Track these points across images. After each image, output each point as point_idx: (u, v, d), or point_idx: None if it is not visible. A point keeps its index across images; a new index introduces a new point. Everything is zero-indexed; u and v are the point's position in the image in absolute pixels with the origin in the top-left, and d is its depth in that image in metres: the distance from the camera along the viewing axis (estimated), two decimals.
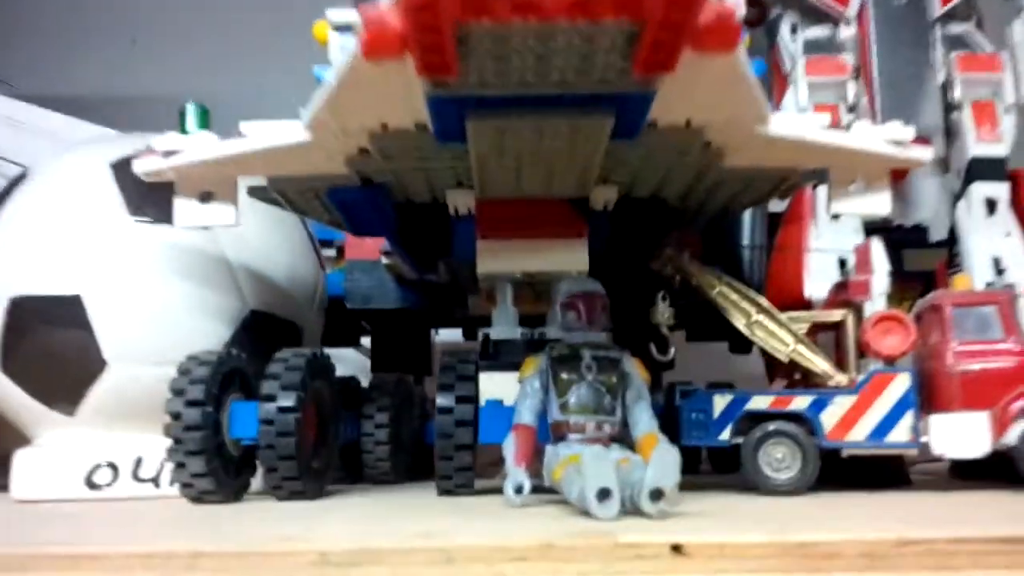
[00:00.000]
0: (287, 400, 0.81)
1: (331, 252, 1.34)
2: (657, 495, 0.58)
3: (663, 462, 0.58)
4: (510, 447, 0.72)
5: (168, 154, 0.78)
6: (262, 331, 0.97)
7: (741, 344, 1.23)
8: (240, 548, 0.52)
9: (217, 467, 0.81)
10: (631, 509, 0.60)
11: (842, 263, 1.01)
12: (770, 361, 0.97)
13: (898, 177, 0.96)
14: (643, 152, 0.76)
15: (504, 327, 0.88)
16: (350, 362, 1.52)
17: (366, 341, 1.46)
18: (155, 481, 0.93)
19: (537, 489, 0.72)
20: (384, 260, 1.15)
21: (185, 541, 0.55)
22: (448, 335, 1.48)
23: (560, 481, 0.66)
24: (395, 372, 1.09)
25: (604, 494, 0.58)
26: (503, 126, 0.67)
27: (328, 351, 1.45)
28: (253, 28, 1.91)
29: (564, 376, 0.73)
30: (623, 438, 0.73)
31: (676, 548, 0.50)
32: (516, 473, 0.70)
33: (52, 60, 2.01)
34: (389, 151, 0.74)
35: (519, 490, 0.69)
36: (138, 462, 0.94)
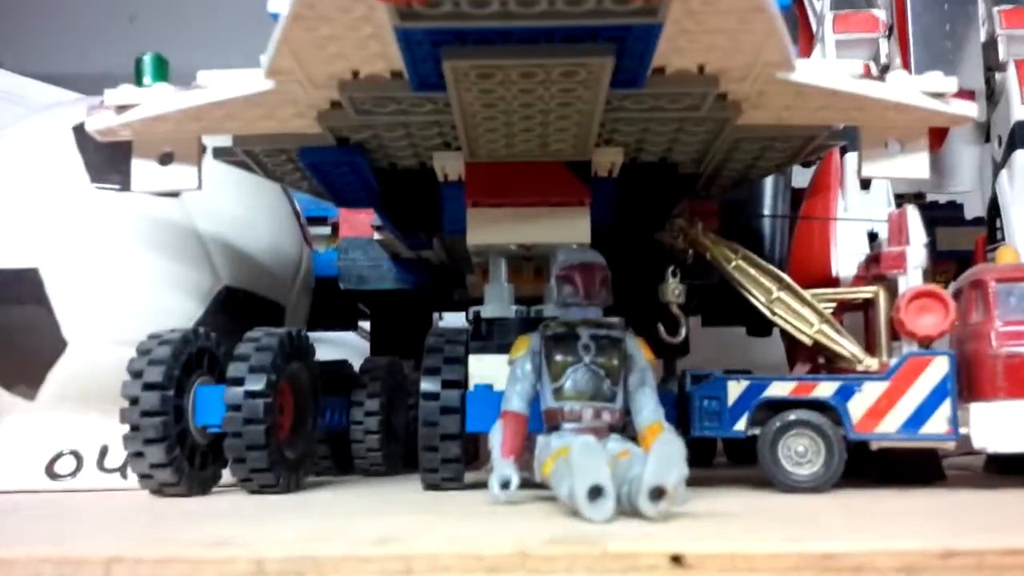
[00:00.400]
0: (256, 383, 0.73)
1: (325, 230, 1.27)
2: (657, 494, 0.49)
3: (665, 456, 0.50)
4: (497, 436, 0.64)
5: (122, 109, 0.71)
6: (238, 310, 0.90)
7: (760, 326, 1.14)
8: (164, 554, 0.44)
9: (179, 457, 0.74)
10: (629, 510, 0.52)
11: (872, 236, 0.92)
12: (791, 344, 0.88)
13: (934, 144, 0.87)
14: (650, 105, 0.68)
15: (497, 305, 0.79)
16: (350, 346, 1.45)
17: (367, 325, 1.39)
18: (122, 471, 0.86)
19: (527, 484, 0.64)
20: (376, 236, 1.07)
21: (106, 543, 0.48)
22: (453, 319, 1.41)
23: (550, 476, 0.58)
24: (391, 356, 1.01)
25: (596, 492, 0.49)
26: (486, 69, 0.58)
27: (326, 335, 1.41)
28: (258, 3, 1.84)
29: (559, 357, 0.64)
30: (625, 427, 0.65)
31: (676, 559, 0.41)
32: (503, 466, 0.62)
33: (48, 37, 1.95)
34: (363, 104, 0.66)
35: (506, 485, 0.61)
36: (104, 451, 0.87)
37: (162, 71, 0.76)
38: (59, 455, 0.86)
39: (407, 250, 1.05)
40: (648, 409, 0.64)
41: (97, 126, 0.72)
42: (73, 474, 0.86)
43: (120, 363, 0.76)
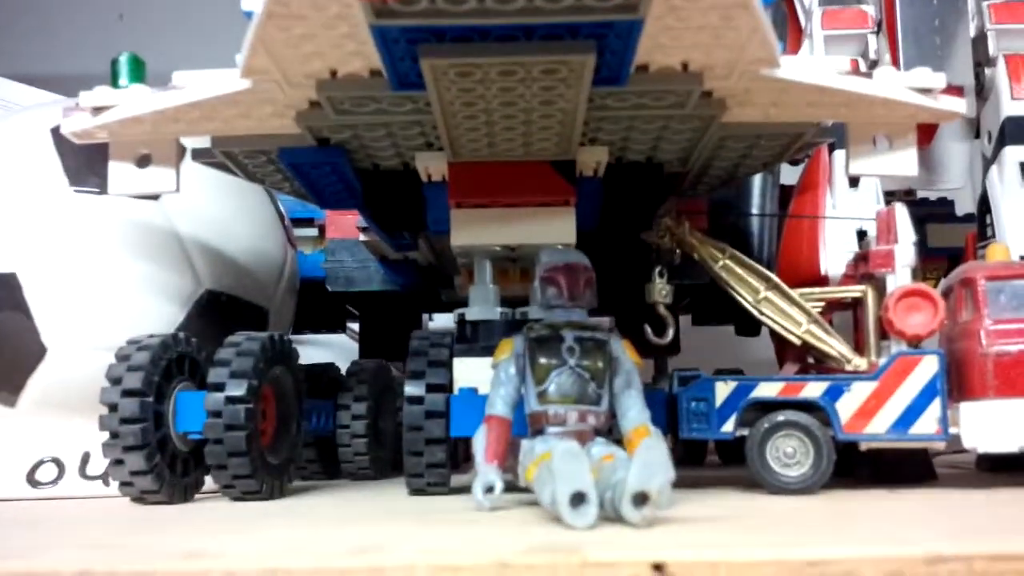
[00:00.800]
0: (237, 389, 0.72)
1: (312, 231, 1.26)
2: (641, 499, 0.48)
3: (649, 460, 0.49)
4: (481, 441, 0.62)
5: (98, 111, 0.69)
6: (220, 313, 0.88)
7: (748, 326, 1.14)
8: (137, 567, 0.43)
9: (160, 464, 0.73)
10: (613, 515, 0.51)
11: (861, 235, 0.91)
12: (780, 344, 0.87)
13: (923, 141, 0.86)
14: (634, 103, 0.67)
15: (482, 307, 0.78)
16: (340, 348, 1.44)
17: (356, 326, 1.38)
18: (104, 479, 0.85)
19: (512, 489, 0.63)
20: (362, 237, 1.06)
21: (78, 555, 0.47)
22: (443, 320, 1.40)
23: (533, 482, 0.57)
24: (381, 359, 1.01)
25: (578, 499, 0.48)
26: (465, 67, 0.57)
27: (315, 337, 1.40)
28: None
29: (543, 360, 0.63)
30: (611, 430, 0.64)
31: (658, 567, 0.41)
32: (486, 471, 0.61)
33: (32, 36, 1.93)
34: (341, 103, 0.65)
35: (490, 490, 0.60)
36: (86, 458, 0.86)
37: (138, 72, 0.75)
38: (40, 462, 0.85)
39: (393, 251, 1.04)
40: (634, 411, 0.63)
41: (73, 128, 0.70)
42: (54, 482, 0.85)
43: (101, 369, 0.74)
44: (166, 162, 0.73)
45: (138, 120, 0.70)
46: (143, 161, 0.73)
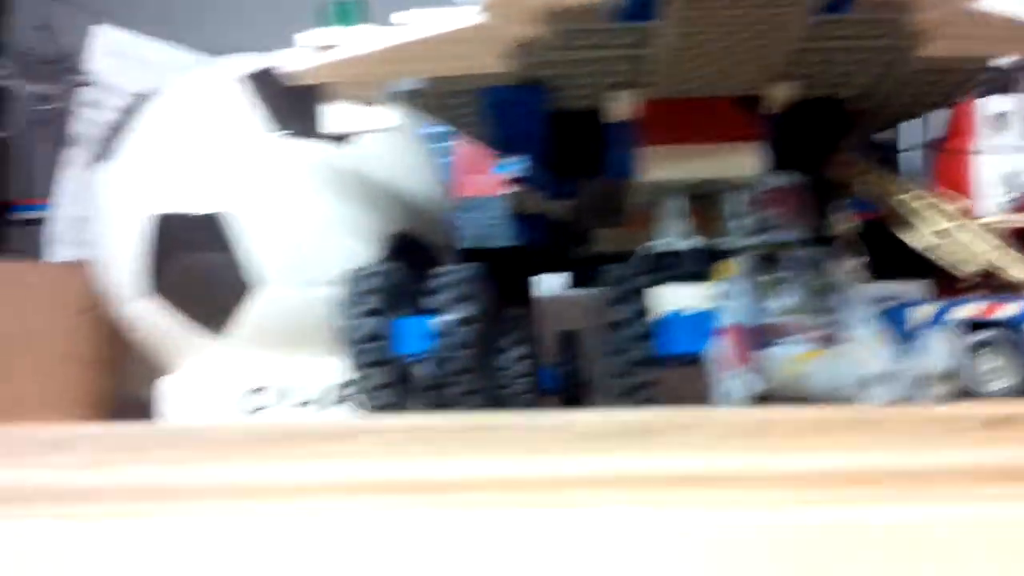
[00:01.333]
0: (463, 311, 0.75)
1: None
2: (937, 380, 0.51)
3: (933, 344, 0.52)
4: (722, 348, 0.65)
5: (318, 51, 0.73)
6: (408, 254, 0.92)
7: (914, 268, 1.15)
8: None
9: (397, 379, 0.77)
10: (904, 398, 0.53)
11: (1010, 179, 0.93)
12: (948, 282, 0.90)
13: None
14: (838, 35, 0.70)
15: (673, 238, 0.81)
16: None
17: None
18: (308, 404, 0.90)
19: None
20: (508, 190, 1.09)
21: None
22: (551, 282, 1.42)
23: (796, 377, 0.59)
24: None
25: (877, 379, 0.51)
26: None
27: None
28: None
29: (766, 277, 0.67)
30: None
31: (991, 422, 0.43)
32: (736, 373, 0.64)
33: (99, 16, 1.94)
34: (562, 37, 0.68)
35: (742, 390, 0.63)
36: (289, 387, 0.90)
37: (358, 15, 0.78)
38: (250, 391, 0.90)
39: (543, 203, 1.07)
40: (861, 323, 0.66)
41: (293, 69, 0.74)
42: (262, 409, 0.89)
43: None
44: (381, 102, 0.76)
45: (355, 60, 0.73)
46: (360, 101, 0.76)
